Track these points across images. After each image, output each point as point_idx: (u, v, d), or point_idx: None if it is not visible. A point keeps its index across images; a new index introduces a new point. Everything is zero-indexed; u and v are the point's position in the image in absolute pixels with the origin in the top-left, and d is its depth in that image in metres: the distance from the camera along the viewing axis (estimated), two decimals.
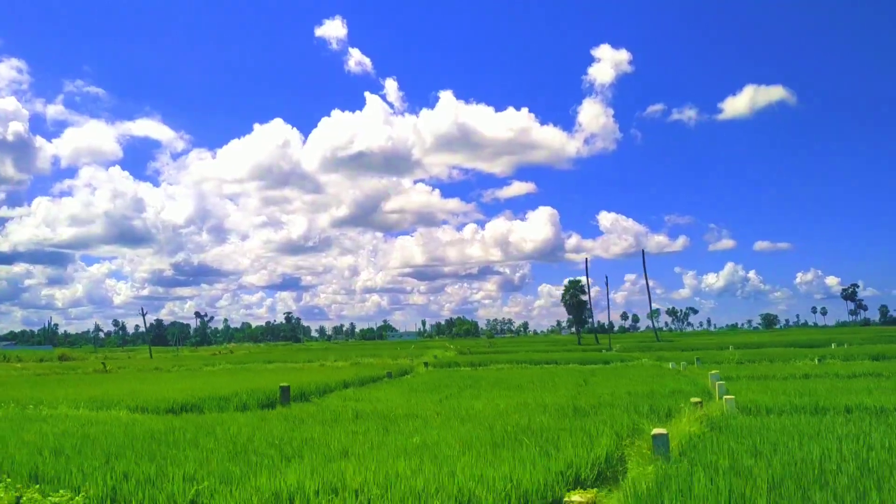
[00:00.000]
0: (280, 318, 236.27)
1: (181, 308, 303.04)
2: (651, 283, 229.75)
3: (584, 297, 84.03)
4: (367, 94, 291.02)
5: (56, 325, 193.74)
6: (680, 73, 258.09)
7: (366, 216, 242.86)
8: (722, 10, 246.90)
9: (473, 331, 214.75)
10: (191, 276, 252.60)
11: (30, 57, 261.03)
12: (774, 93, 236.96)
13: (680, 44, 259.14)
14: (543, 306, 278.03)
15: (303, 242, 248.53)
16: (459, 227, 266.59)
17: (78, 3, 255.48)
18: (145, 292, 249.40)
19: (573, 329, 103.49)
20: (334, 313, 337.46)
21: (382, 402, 18.27)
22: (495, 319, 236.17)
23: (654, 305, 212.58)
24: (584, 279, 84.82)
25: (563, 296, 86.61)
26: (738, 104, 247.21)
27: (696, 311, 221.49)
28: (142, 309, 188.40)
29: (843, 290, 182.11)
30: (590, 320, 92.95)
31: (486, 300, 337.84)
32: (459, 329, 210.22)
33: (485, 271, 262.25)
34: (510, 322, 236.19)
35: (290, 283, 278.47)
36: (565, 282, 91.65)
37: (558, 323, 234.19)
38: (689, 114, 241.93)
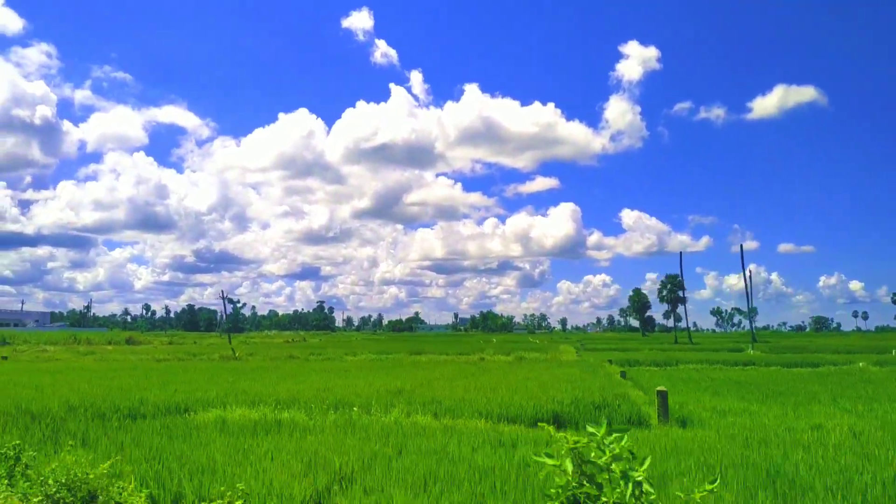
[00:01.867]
0: (299, 307, 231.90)
1: (201, 294, 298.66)
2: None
3: (681, 293, 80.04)
4: (392, 85, 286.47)
5: (87, 307, 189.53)
6: (709, 71, 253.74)
7: (387, 208, 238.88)
8: (753, 8, 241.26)
9: (509, 326, 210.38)
10: (211, 263, 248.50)
11: (59, 42, 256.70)
12: (805, 93, 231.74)
13: (709, 42, 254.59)
14: (562, 303, 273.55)
15: (323, 233, 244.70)
16: (480, 222, 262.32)
17: None
18: (166, 278, 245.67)
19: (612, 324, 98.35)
20: (352, 304, 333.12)
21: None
22: (532, 315, 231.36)
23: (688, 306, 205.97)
24: (679, 274, 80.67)
25: (660, 291, 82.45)
26: (768, 104, 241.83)
27: (741, 312, 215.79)
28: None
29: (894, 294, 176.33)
30: (681, 317, 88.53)
31: (505, 295, 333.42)
32: (494, 324, 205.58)
33: (504, 266, 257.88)
34: (545, 318, 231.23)
35: (309, 273, 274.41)
36: (662, 277, 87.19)
37: (598, 320, 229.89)
38: (717, 112, 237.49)
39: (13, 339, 57.63)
